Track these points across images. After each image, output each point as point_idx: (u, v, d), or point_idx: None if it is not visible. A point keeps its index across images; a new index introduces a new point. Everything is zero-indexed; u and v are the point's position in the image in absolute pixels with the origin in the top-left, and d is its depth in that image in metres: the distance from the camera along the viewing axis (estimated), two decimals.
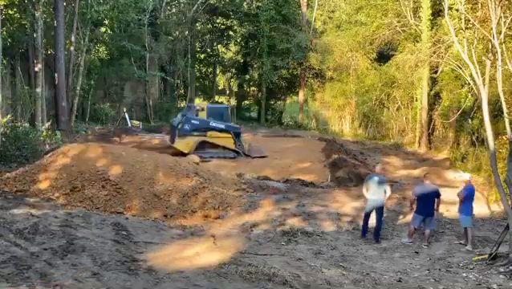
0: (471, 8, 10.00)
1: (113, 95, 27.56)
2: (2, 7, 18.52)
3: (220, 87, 40.42)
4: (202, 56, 37.64)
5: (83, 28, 22.69)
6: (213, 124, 18.48)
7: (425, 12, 22.27)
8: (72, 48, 21.93)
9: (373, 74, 27.17)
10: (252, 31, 32.76)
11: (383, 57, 27.93)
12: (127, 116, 26.46)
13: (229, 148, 18.50)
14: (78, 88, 22.61)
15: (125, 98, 28.44)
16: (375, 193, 9.89)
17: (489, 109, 9.45)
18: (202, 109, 19.03)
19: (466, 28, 10.02)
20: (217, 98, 38.71)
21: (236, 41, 37.10)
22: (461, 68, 12.78)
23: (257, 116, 34.67)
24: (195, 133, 18.16)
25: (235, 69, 37.58)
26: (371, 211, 9.91)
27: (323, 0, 32.69)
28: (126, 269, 6.21)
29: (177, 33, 31.64)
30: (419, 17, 23.20)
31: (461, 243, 9.80)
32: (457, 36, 10.17)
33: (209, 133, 18.41)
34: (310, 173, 15.76)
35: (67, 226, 7.88)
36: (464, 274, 7.90)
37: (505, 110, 8.92)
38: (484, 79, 9.31)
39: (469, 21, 9.72)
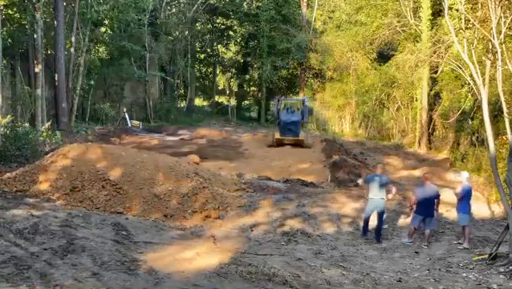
0: (471, 8, 10.00)
1: (113, 95, 27.56)
2: (1, 7, 18.53)
3: (220, 87, 40.47)
4: (202, 56, 37.68)
5: (83, 28, 22.69)
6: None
7: (425, 12, 22.27)
8: (72, 48, 21.94)
9: (373, 74, 27.17)
10: (252, 31, 32.79)
11: (383, 57, 27.94)
12: (127, 116, 26.46)
13: None
14: (78, 88, 22.62)
15: (125, 98, 28.45)
16: (376, 194, 9.87)
17: (489, 109, 9.45)
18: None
19: (466, 28, 10.02)
20: (217, 98, 38.75)
21: (236, 41, 37.13)
22: (461, 68, 12.77)
23: (257, 116, 34.68)
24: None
25: (235, 69, 37.61)
26: (372, 211, 9.90)
27: (323, 0, 32.71)
28: (126, 269, 6.21)
29: (177, 33, 31.67)
30: (419, 17, 23.21)
31: (459, 243, 9.81)
32: (457, 36, 10.17)
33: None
34: (310, 173, 15.76)
35: (67, 226, 7.88)
36: (464, 274, 7.90)
37: (505, 110, 8.92)
38: (484, 79, 9.31)
39: (469, 21, 9.71)
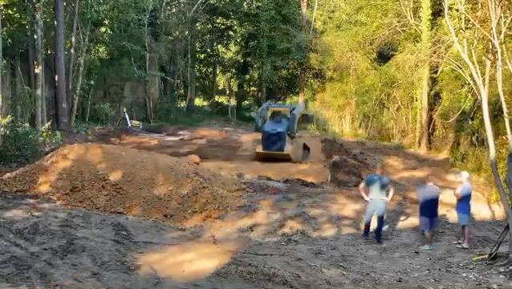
0: (471, 8, 10.00)
1: (113, 95, 27.56)
2: (2, 7, 18.52)
3: (220, 87, 40.46)
4: (202, 56, 37.68)
5: (83, 28, 22.69)
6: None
7: (425, 12, 22.26)
8: (72, 48, 21.94)
9: (373, 74, 27.16)
10: (252, 31, 32.78)
11: (383, 57, 27.92)
12: (127, 116, 26.46)
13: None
14: (78, 88, 22.62)
15: (125, 98, 28.44)
16: (376, 195, 9.87)
17: (489, 109, 9.45)
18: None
19: (466, 28, 10.02)
20: (217, 98, 38.75)
21: (236, 41, 37.13)
22: (461, 68, 12.76)
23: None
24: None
25: (235, 69, 37.60)
26: (372, 212, 9.90)
27: (323, 0, 32.70)
28: (126, 269, 6.21)
29: (177, 33, 31.66)
30: (419, 17, 23.19)
31: (458, 243, 9.80)
32: (457, 36, 10.16)
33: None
34: (310, 173, 15.75)
35: (67, 226, 7.88)
36: (464, 274, 7.90)
37: (505, 110, 8.92)
38: (484, 79, 9.31)
39: (469, 21, 9.71)
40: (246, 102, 38.78)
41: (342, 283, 6.72)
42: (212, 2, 33.02)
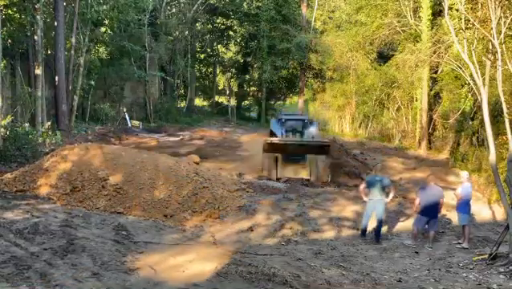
0: (471, 8, 9.99)
1: (113, 95, 27.55)
2: (1, 7, 18.51)
3: (220, 87, 40.47)
4: (202, 56, 37.68)
5: (83, 28, 22.69)
6: None
7: (425, 12, 22.26)
8: (72, 48, 21.93)
9: (373, 74, 27.15)
10: (252, 31, 32.78)
11: (383, 57, 27.92)
12: (127, 116, 26.46)
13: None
14: (78, 88, 22.62)
15: (125, 98, 28.43)
16: (376, 195, 9.86)
17: (489, 109, 9.45)
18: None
19: (466, 28, 10.02)
20: (217, 98, 38.75)
21: (236, 41, 37.13)
22: (461, 68, 12.77)
23: (257, 116, 34.66)
24: None
25: (235, 69, 37.60)
26: (371, 212, 9.89)
27: (323, 0, 32.69)
28: (126, 269, 6.21)
29: (177, 33, 31.65)
30: (419, 17, 23.19)
31: (458, 243, 9.81)
32: (457, 36, 10.16)
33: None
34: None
35: (67, 226, 7.88)
36: (464, 274, 7.90)
37: (505, 110, 8.92)
38: (484, 79, 9.31)
39: (469, 21, 9.71)
40: (246, 102, 38.79)
41: (342, 283, 6.72)
42: (212, 2, 33.01)
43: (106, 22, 24.54)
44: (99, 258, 6.51)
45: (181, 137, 23.30)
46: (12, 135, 14.03)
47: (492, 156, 9.04)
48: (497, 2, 8.68)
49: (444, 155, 20.99)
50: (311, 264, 7.67)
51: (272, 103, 34.65)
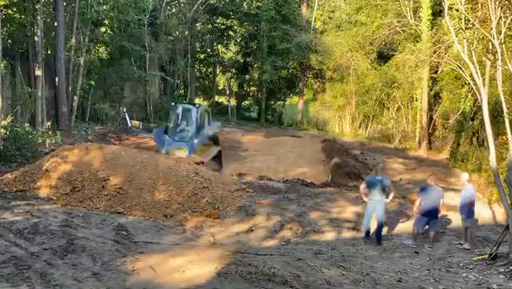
0: (471, 8, 9.99)
1: (113, 95, 27.54)
2: (1, 7, 18.51)
3: (220, 87, 40.45)
4: (202, 56, 37.65)
5: (83, 28, 22.68)
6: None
7: (425, 12, 22.27)
8: (72, 48, 21.93)
9: (373, 74, 27.17)
10: (252, 31, 32.77)
11: (383, 57, 27.94)
12: (127, 116, 26.45)
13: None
14: (78, 88, 22.61)
15: (125, 98, 28.42)
16: (376, 196, 9.85)
17: (489, 109, 9.45)
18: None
19: (466, 28, 10.02)
20: (217, 98, 38.74)
21: (236, 41, 37.11)
22: (461, 68, 12.77)
23: (257, 116, 34.66)
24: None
25: (235, 69, 37.58)
26: (372, 213, 9.89)
27: (323, 0, 32.68)
28: (126, 269, 6.21)
29: (177, 33, 31.65)
30: (419, 17, 23.21)
31: (460, 243, 9.81)
32: (457, 36, 10.16)
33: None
34: (311, 173, 15.76)
35: (67, 226, 7.88)
36: (464, 274, 7.90)
37: (505, 110, 8.92)
38: (484, 79, 9.31)
39: (469, 21, 9.71)
40: (246, 102, 38.76)
41: (342, 283, 6.72)
42: (212, 2, 33.00)
43: (106, 22, 24.52)
44: (99, 258, 6.51)
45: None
46: (12, 135, 14.03)
47: (492, 156, 9.04)
48: (497, 2, 8.68)
49: (444, 155, 21.01)
50: (311, 264, 7.67)
51: (272, 103, 34.63)
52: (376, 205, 9.82)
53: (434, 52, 19.05)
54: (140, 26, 27.40)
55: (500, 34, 8.81)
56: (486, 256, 8.54)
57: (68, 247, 6.81)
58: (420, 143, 23.10)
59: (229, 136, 23.88)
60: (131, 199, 10.15)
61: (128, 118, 26.28)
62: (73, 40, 21.83)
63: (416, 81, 23.17)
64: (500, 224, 10.95)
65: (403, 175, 16.94)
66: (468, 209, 9.80)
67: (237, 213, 10.66)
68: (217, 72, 39.07)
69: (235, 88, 38.25)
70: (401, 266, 8.28)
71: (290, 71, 33.39)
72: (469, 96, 19.64)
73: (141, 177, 10.75)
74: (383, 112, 27.44)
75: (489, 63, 9.49)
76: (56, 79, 20.45)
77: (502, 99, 9.02)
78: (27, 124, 17.62)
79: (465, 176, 10.42)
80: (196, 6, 31.36)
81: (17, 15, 20.10)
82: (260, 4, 32.26)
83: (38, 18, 18.71)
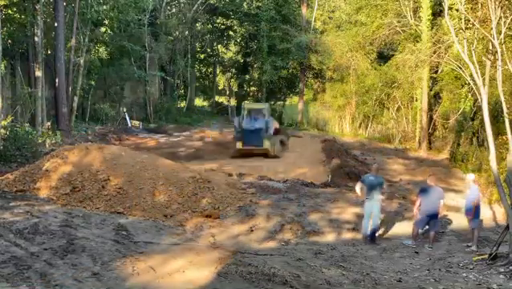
0: (471, 8, 9.98)
1: (113, 95, 27.54)
2: (1, 7, 18.51)
3: (220, 87, 40.46)
4: (202, 56, 37.66)
5: (83, 28, 22.68)
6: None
7: (425, 12, 22.26)
8: (72, 48, 21.93)
9: (373, 74, 27.15)
10: (252, 31, 32.77)
11: (383, 57, 27.93)
12: (127, 116, 26.46)
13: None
14: (78, 88, 22.62)
15: (125, 98, 28.43)
16: (371, 194, 9.86)
17: (489, 109, 9.44)
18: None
19: (466, 28, 10.01)
20: (217, 98, 38.74)
21: (236, 41, 37.12)
22: (461, 68, 12.76)
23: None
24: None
25: (235, 69, 37.58)
26: (370, 212, 9.89)
27: (323, 0, 32.66)
28: (126, 269, 6.21)
29: (177, 33, 31.65)
30: (419, 17, 23.19)
31: (467, 246, 9.75)
32: (457, 36, 10.16)
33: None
34: (311, 173, 15.75)
35: (67, 226, 7.88)
36: (464, 274, 7.89)
37: (505, 110, 8.92)
38: (484, 79, 9.31)
39: (469, 21, 9.71)
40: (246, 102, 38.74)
41: (342, 283, 6.71)
42: (212, 2, 33.01)
43: (106, 22, 24.54)
44: (99, 258, 6.50)
45: (181, 137, 23.31)
46: (12, 135, 14.04)
47: (492, 156, 9.03)
48: (497, 2, 8.68)
49: (444, 155, 20.99)
50: (311, 264, 7.67)
51: (272, 103, 34.62)
52: (373, 204, 9.83)
53: (434, 52, 19.04)
54: (140, 26, 27.40)
55: (500, 34, 8.81)
56: (486, 256, 8.54)
57: (68, 247, 6.81)
58: (420, 143, 23.07)
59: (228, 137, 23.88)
60: (131, 199, 10.15)
61: (127, 118, 26.29)
62: (73, 40, 21.84)
63: (416, 81, 23.15)
64: (500, 224, 10.94)
65: (403, 175, 16.92)
66: (474, 211, 9.78)
67: (237, 213, 10.66)
68: (217, 72, 39.08)
69: (235, 88, 38.25)
70: (401, 266, 8.27)
71: (290, 71, 33.39)
72: (469, 96, 19.62)
73: (141, 177, 10.75)
74: (383, 112, 27.42)
75: (489, 63, 9.48)
76: (56, 79, 20.46)
77: (502, 99, 9.01)
78: (27, 124, 17.63)
79: (470, 176, 10.34)
80: (196, 6, 31.37)
81: (17, 15, 20.11)
82: (260, 4, 32.26)
83: (38, 18, 18.73)
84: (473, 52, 9.49)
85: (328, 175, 15.39)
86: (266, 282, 6.15)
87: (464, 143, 20.14)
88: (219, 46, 37.15)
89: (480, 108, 12.24)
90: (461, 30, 10.20)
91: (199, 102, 40.09)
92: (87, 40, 22.91)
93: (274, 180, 14.30)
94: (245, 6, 33.35)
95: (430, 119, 23.11)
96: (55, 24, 20.38)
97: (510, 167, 8.56)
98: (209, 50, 36.84)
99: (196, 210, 10.31)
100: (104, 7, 22.81)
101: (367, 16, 26.59)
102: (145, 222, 9.17)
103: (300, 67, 31.54)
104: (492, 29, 8.72)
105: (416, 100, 24.42)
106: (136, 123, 26.37)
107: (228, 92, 38.62)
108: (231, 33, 36.69)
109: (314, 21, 32.54)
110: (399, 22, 24.29)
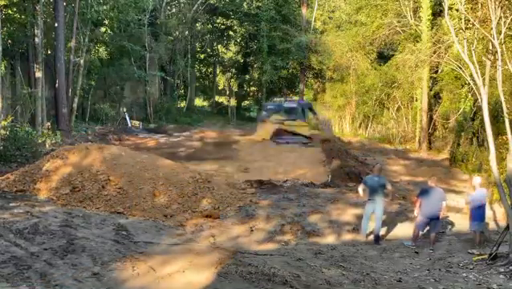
0: (471, 8, 9.98)
1: (113, 95, 27.55)
2: (1, 7, 18.52)
3: (220, 87, 40.48)
4: (202, 56, 37.70)
5: (83, 28, 22.68)
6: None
7: (425, 12, 22.27)
8: (72, 49, 21.93)
9: (373, 74, 27.17)
10: (252, 31, 32.80)
11: (383, 57, 27.95)
12: (127, 116, 26.46)
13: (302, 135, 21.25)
14: (78, 88, 22.62)
15: (125, 98, 28.44)
16: (374, 195, 9.84)
17: (489, 109, 9.44)
18: None
19: (466, 28, 10.01)
20: (217, 98, 38.76)
21: (236, 41, 37.15)
22: (461, 68, 12.76)
23: (257, 116, 34.65)
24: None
25: (235, 69, 37.62)
26: (371, 212, 9.87)
27: (323, 0, 32.68)
28: (126, 269, 6.21)
29: (177, 33, 31.66)
30: (419, 17, 23.21)
31: (473, 252, 9.69)
32: (457, 36, 10.15)
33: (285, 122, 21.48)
34: (311, 173, 15.74)
35: (67, 226, 7.88)
36: (464, 274, 7.89)
37: (505, 110, 8.91)
38: (484, 79, 9.30)
39: (469, 21, 9.70)
40: (246, 102, 38.78)
41: (342, 283, 6.71)
42: (212, 2, 33.02)
43: (106, 22, 24.55)
44: (99, 258, 6.50)
45: (181, 137, 23.31)
46: (12, 135, 14.04)
47: (492, 156, 9.03)
48: (497, 2, 8.67)
49: (444, 155, 20.99)
50: (311, 264, 7.66)
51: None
52: (375, 205, 9.80)
53: (434, 52, 19.06)
54: (140, 26, 27.42)
55: (500, 34, 8.80)
56: (486, 256, 8.53)
57: (68, 247, 6.80)
58: (420, 143, 23.08)
59: (228, 137, 23.91)
60: (131, 199, 10.15)
61: (127, 118, 26.29)
62: (73, 40, 21.84)
63: (416, 81, 23.16)
64: (500, 224, 10.94)
65: (403, 176, 16.92)
66: (481, 214, 9.76)
67: (237, 213, 10.65)
68: (217, 72, 39.10)
69: (235, 88, 38.28)
70: (401, 266, 8.27)
71: (290, 71, 33.43)
72: (469, 96, 19.62)
73: (141, 177, 10.75)
74: (383, 112, 27.44)
75: (489, 63, 9.47)
76: (56, 80, 20.46)
77: (502, 99, 9.00)
78: (27, 125, 17.63)
79: (476, 180, 10.28)
80: (196, 6, 31.39)
81: (17, 15, 20.12)
82: (260, 4, 32.29)
83: (38, 18, 18.73)
84: (473, 52, 9.48)
85: (328, 175, 15.38)
86: (266, 282, 6.15)
87: (464, 143, 20.12)
88: (219, 46, 37.18)
89: (480, 108, 12.23)
90: (461, 30, 10.19)
91: (199, 102, 40.11)
92: (87, 40, 22.91)
93: (273, 180, 14.29)
94: (245, 6, 33.39)
95: (430, 119, 23.12)
96: (55, 24, 20.38)
97: (510, 167, 8.56)
98: (209, 50, 36.86)
99: (196, 210, 10.31)
100: (104, 7, 22.82)
101: (367, 16, 26.62)
102: (145, 222, 9.17)
103: (300, 67, 31.56)
104: (492, 29, 8.71)
105: (416, 100, 24.42)
106: (136, 123, 26.37)
107: (228, 92, 38.64)
108: (231, 33, 36.71)
109: (314, 21, 32.57)
110: (399, 22, 24.31)
